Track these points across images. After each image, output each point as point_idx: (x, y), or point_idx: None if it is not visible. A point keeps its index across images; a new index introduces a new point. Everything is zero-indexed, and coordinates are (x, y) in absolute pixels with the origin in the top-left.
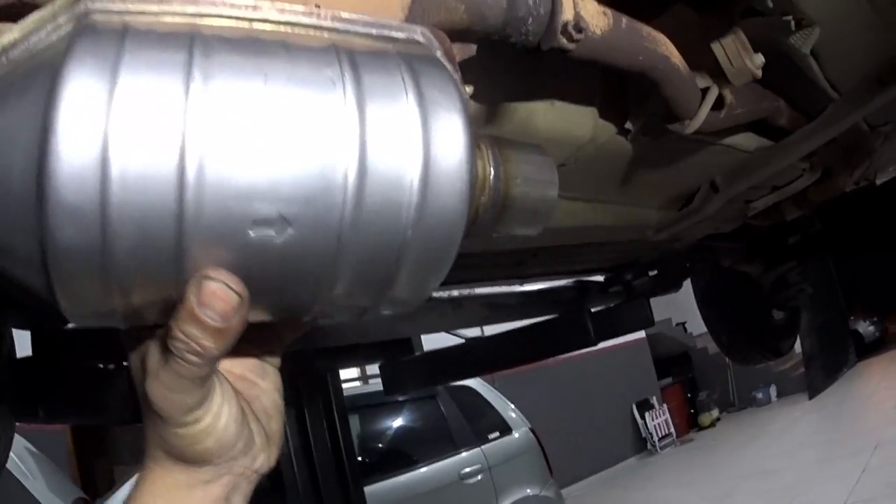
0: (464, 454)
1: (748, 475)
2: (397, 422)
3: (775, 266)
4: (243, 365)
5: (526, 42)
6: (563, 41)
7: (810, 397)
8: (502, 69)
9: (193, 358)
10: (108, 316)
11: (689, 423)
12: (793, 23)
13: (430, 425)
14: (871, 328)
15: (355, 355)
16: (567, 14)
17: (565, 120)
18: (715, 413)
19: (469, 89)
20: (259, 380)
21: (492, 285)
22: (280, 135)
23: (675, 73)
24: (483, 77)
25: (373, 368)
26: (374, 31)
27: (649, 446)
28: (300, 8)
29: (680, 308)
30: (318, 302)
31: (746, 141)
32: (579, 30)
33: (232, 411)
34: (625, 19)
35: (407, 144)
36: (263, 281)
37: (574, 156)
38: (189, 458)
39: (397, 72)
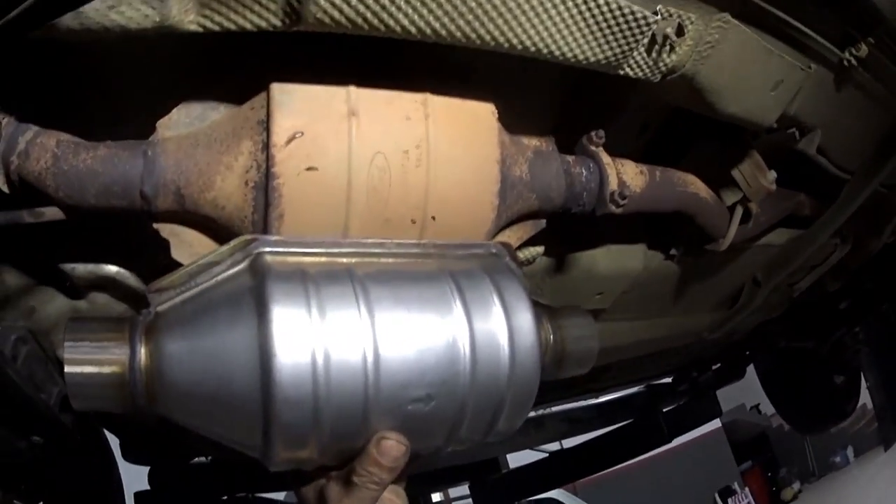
0: None
1: None
2: None
3: (830, 334)
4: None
5: (583, 211)
6: (612, 207)
7: (885, 449)
8: (565, 230)
9: (374, 486)
10: (302, 462)
11: (770, 501)
12: (797, 133)
13: None
14: None
15: (447, 477)
16: (613, 184)
17: (621, 258)
18: (796, 486)
19: (541, 249)
20: (396, 499)
21: (571, 401)
22: (423, 342)
23: (705, 205)
24: (551, 237)
25: (455, 492)
26: (460, 252)
27: None
28: (412, 241)
29: (752, 391)
30: (449, 444)
31: (778, 237)
32: (623, 196)
33: None
34: (658, 171)
35: (500, 337)
36: (414, 434)
37: (631, 284)
38: None
39: (487, 286)
